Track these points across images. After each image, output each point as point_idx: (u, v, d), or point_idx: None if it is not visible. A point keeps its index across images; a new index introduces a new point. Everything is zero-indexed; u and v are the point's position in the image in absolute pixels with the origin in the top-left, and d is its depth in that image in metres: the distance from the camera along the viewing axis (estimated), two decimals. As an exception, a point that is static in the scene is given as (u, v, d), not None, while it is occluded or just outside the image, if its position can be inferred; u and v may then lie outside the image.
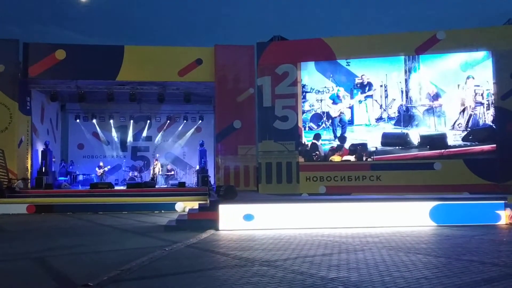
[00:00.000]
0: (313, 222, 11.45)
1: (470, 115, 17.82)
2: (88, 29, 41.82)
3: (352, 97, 18.89)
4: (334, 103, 18.94)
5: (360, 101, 18.77)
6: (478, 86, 17.83)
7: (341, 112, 18.84)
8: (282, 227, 11.27)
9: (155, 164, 23.57)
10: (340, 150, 18.71)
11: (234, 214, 11.46)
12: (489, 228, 11.11)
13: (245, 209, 11.57)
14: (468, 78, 17.94)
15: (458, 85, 18.02)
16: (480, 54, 17.96)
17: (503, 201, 11.93)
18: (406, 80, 18.50)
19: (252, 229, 11.08)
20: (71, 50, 20.15)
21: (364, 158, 18.52)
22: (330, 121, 18.95)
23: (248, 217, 11.41)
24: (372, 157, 18.46)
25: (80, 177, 23.75)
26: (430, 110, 18.19)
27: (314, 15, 44.31)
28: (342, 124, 18.84)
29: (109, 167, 23.83)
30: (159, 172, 23.36)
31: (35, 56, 19.77)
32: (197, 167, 23.00)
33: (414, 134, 18.21)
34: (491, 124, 17.63)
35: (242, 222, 11.36)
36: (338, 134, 18.84)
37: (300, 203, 12.37)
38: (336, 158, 18.80)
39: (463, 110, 17.91)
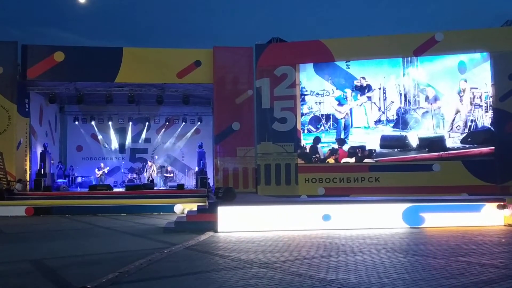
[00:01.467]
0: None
1: (469, 118, 17.82)
2: (87, 31, 41.81)
3: (351, 100, 18.86)
4: (340, 104, 18.87)
5: (360, 104, 18.74)
6: (476, 88, 17.84)
7: (346, 114, 18.80)
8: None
9: (149, 166, 23.49)
10: (336, 154, 18.69)
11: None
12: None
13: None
14: (466, 81, 17.95)
15: (457, 88, 18.05)
16: (479, 55, 17.98)
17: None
18: (404, 82, 18.51)
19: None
20: (70, 52, 20.15)
21: (368, 159, 18.47)
22: (329, 123, 18.91)
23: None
24: (373, 159, 18.43)
25: (79, 179, 23.73)
26: (429, 113, 18.18)
27: (313, 17, 44.38)
28: (345, 126, 18.79)
29: (108, 168, 23.80)
30: (153, 174, 23.27)
31: (33, 58, 19.74)
32: (196, 169, 22.99)
33: (413, 137, 18.21)
34: (490, 126, 17.64)
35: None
36: (343, 136, 18.80)
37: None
38: (331, 161, 18.79)
39: (462, 112, 17.92)
